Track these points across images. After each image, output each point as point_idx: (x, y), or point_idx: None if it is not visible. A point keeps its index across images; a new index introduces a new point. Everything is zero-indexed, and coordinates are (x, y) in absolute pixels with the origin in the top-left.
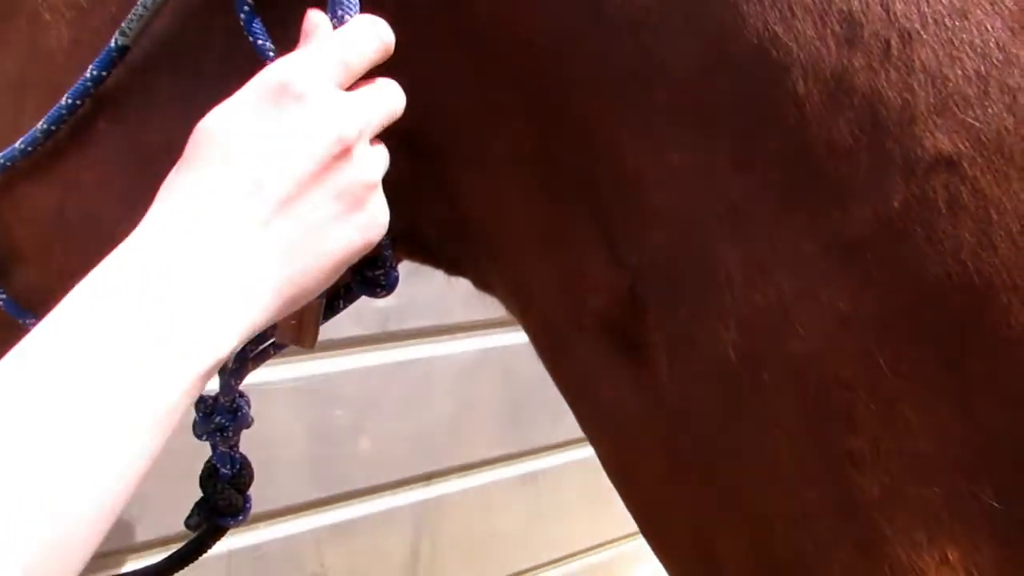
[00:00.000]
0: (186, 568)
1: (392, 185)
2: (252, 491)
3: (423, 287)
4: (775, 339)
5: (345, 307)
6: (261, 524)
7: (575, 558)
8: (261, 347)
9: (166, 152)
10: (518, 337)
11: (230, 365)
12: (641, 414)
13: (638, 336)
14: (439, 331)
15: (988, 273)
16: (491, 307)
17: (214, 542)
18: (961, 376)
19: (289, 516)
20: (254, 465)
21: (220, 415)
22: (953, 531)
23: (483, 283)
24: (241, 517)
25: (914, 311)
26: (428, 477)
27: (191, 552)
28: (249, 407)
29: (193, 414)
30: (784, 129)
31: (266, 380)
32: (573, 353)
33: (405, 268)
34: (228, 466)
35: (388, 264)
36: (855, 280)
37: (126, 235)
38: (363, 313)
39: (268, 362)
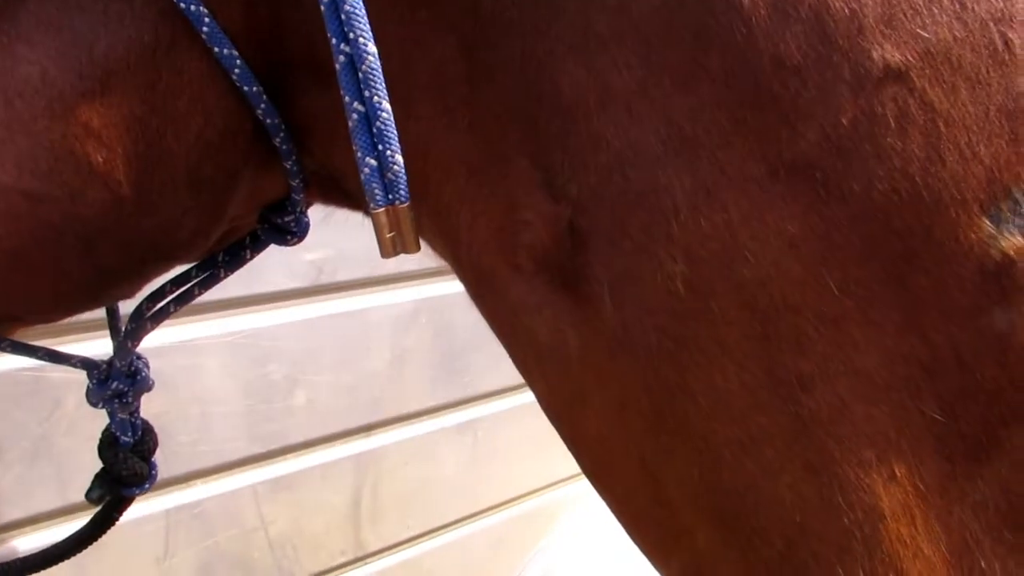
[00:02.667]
0: (107, 534)
1: (300, 120)
2: (187, 448)
3: (355, 238)
4: (723, 267)
5: (252, 257)
6: (198, 481)
7: (516, 502)
8: (159, 305)
9: (40, 85)
10: (453, 287)
11: (126, 326)
12: (582, 352)
13: (577, 272)
14: (373, 282)
15: (937, 187)
16: (425, 257)
17: (120, 514)
18: (909, 292)
19: (226, 472)
20: (190, 421)
21: (117, 380)
22: (900, 448)
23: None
24: (147, 485)
25: (862, 230)
26: (367, 429)
27: (97, 526)
28: (148, 369)
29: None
30: (729, 45)
31: (197, 336)
32: (508, 294)
33: (336, 218)
34: (129, 433)
35: (298, 209)
36: (803, 201)
37: None
38: (295, 265)
39: (199, 317)
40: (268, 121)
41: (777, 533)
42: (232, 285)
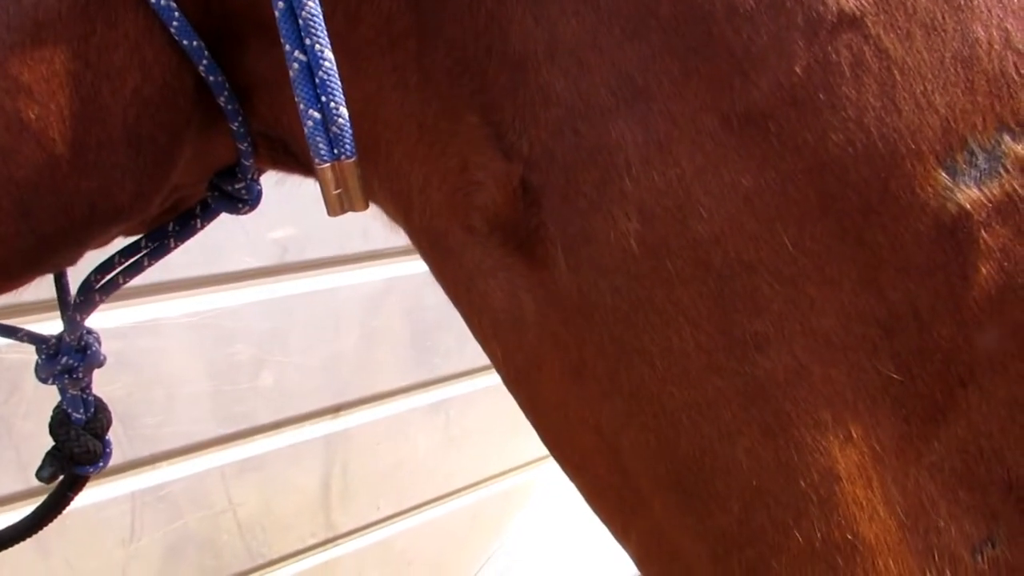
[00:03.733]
0: (72, 517)
1: (246, 80)
2: (152, 430)
3: (321, 216)
4: (677, 223)
5: (203, 225)
6: (164, 463)
7: (488, 483)
8: (108, 277)
9: None
10: (424, 265)
11: (75, 299)
12: (537, 315)
13: (531, 233)
14: (341, 261)
15: (892, 138)
16: (393, 235)
17: (75, 493)
18: (865, 248)
19: (193, 454)
20: (154, 403)
21: (67, 355)
22: (857, 409)
23: (366, 193)
24: (101, 464)
25: (818, 184)
26: (336, 409)
27: (52, 507)
28: (99, 344)
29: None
30: None
31: (160, 316)
32: (462, 258)
33: (301, 194)
34: (81, 410)
35: (248, 176)
36: (757, 153)
37: None
38: (258, 244)
39: (160, 297)
40: (211, 79)
41: (734, 498)
42: (194, 264)
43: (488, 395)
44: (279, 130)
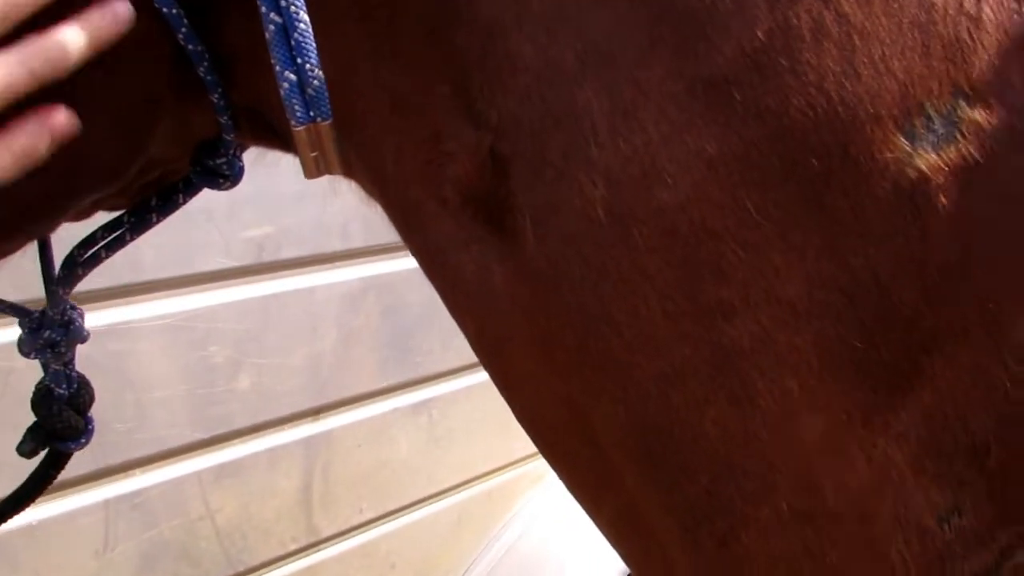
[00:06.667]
0: (43, 527)
1: (226, 50)
2: (124, 436)
3: (297, 214)
4: (643, 191)
5: (185, 201)
6: (137, 471)
7: (473, 483)
8: (91, 251)
9: None
10: (402, 264)
11: (59, 273)
12: (507, 287)
13: (501, 204)
14: (318, 260)
15: (852, 103)
16: (372, 233)
17: (58, 471)
18: (827, 215)
19: (168, 460)
20: (126, 408)
21: (50, 329)
22: (822, 377)
23: (343, 165)
24: (83, 440)
25: (780, 149)
26: (315, 412)
27: (35, 484)
28: (82, 319)
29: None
30: None
31: (132, 318)
32: (435, 230)
33: (278, 198)
34: (64, 385)
35: (230, 150)
36: (721, 120)
37: None
38: (232, 244)
39: (130, 300)
40: (190, 47)
41: (703, 470)
42: (167, 265)
43: (472, 394)
44: (258, 102)
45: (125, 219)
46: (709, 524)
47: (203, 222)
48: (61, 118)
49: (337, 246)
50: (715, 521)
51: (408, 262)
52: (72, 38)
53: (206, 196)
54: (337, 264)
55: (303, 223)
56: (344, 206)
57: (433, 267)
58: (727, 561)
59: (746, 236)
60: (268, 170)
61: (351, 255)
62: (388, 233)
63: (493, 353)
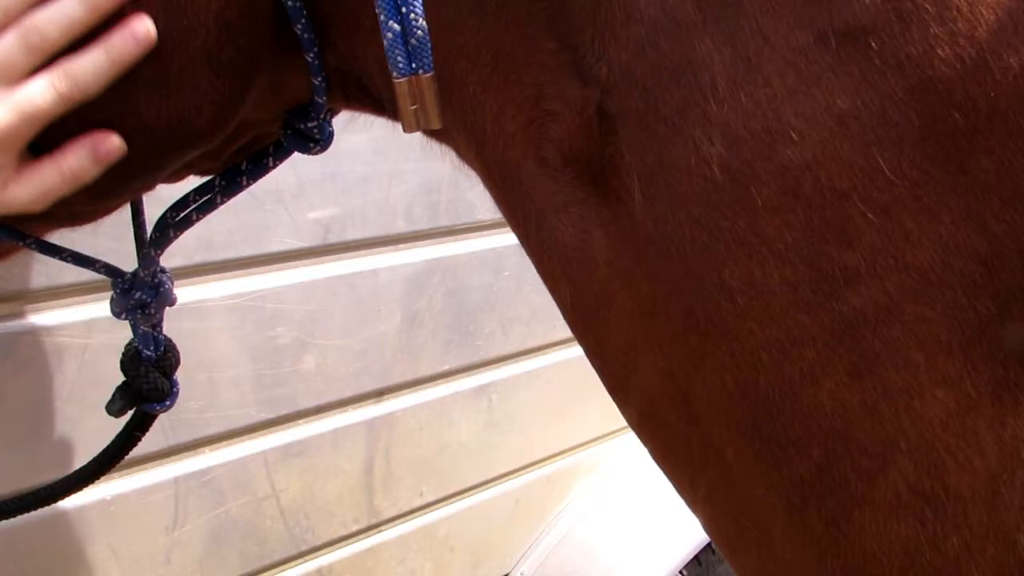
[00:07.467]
0: (115, 504)
1: (324, 10)
2: (194, 414)
3: (363, 197)
4: (765, 148)
5: (275, 165)
6: (206, 448)
7: (530, 469)
8: (183, 213)
9: None
10: (467, 246)
11: (151, 235)
12: (608, 251)
13: (606, 164)
14: (382, 242)
15: (1005, 55)
16: (436, 216)
17: (143, 433)
18: (968, 176)
19: (235, 439)
20: (195, 387)
21: (140, 290)
22: (952, 351)
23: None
24: (168, 403)
25: (920, 104)
26: (379, 394)
27: (121, 445)
28: (172, 283)
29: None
30: None
31: (201, 298)
32: (533, 192)
33: (344, 180)
34: (151, 347)
35: (321, 114)
36: (856, 72)
37: None
38: (300, 225)
39: (202, 279)
40: (289, 3)
41: (816, 444)
42: (236, 246)
43: (532, 379)
44: (354, 63)
45: (216, 182)
46: (819, 502)
47: (272, 203)
48: (111, 144)
49: (402, 228)
50: (826, 499)
51: (471, 245)
52: (98, 61)
53: (275, 178)
54: (402, 246)
55: (368, 205)
56: (408, 189)
57: (528, 231)
58: (837, 542)
59: (876, 198)
60: (335, 153)
61: (415, 237)
62: (452, 216)
63: (588, 320)
